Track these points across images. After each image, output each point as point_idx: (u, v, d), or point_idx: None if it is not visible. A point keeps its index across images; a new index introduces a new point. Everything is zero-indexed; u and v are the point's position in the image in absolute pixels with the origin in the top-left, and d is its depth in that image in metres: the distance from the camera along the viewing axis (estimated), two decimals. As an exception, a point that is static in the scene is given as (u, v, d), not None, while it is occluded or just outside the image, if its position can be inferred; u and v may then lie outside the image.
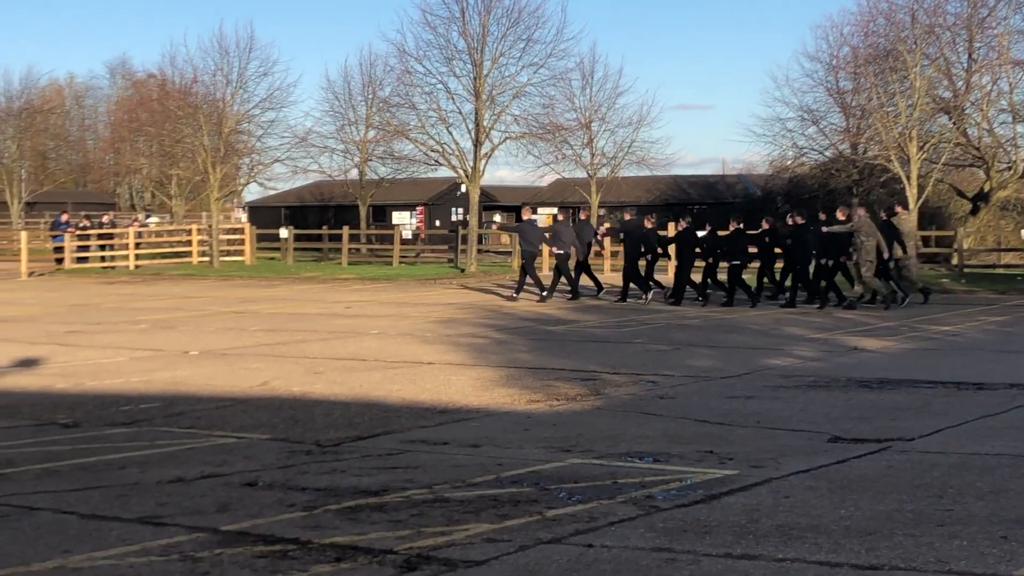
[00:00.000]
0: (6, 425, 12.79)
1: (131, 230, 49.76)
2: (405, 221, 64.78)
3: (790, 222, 28.41)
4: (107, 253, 48.69)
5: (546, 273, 35.01)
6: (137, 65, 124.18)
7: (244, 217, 71.29)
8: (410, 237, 58.61)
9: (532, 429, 12.19)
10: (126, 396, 14.72)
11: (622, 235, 31.18)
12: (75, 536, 7.92)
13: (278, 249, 52.73)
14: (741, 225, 29.04)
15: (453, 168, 48.60)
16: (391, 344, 20.29)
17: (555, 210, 59.26)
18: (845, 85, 50.11)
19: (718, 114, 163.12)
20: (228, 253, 50.01)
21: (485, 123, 46.58)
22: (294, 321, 24.98)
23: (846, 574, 6.93)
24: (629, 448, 11.03)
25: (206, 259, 48.53)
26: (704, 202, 60.00)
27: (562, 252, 30.75)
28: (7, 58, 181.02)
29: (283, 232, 52.02)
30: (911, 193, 36.62)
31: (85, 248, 47.94)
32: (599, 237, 33.82)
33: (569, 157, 53.75)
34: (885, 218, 28.46)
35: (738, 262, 28.47)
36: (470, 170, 47.00)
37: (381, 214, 65.64)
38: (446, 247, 52.44)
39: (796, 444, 11.19)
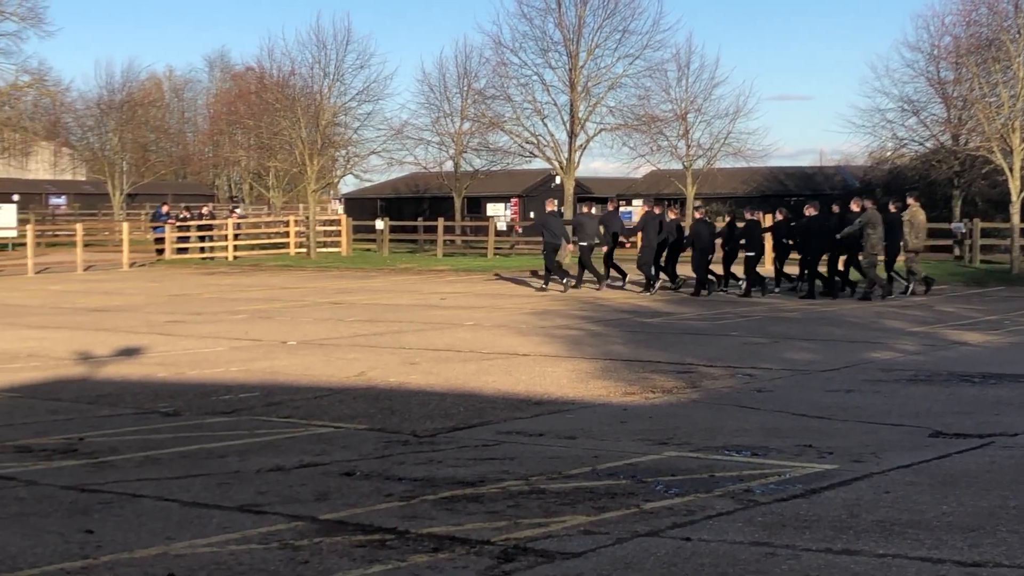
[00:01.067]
0: (109, 413, 13.00)
1: (230, 221, 50.34)
2: (499, 213, 64.81)
3: (807, 213, 28.60)
4: (206, 244, 49.29)
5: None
6: (235, 58, 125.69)
7: (340, 208, 71.81)
8: (504, 229, 58.59)
9: (628, 421, 12.15)
10: (226, 385, 14.89)
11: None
12: (177, 523, 8.03)
13: (374, 240, 53.06)
14: (757, 216, 29.55)
15: (548, 160, 48.61)
16: (486, 335, 20.34)
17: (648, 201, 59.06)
18: (946, 75, 49.32)
19: (816, 105, 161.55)
20: (325, 244, 50.44)
21: (580, 114, 46.52)
22: (390, 312, 25.13)
23: (949, 571, 6.82)
24: (726, 441, 10.95)
25: (303, 250, 48.98)
26: (802, 193, 59.29)
27: (585, 244, 31.07)
28: (109, 52, 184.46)
29: (379, 223, 52.33)
30: (1014, 185, 35.94)
31: (185, 239, 48.59)
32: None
33: (664, 148, 53.44)
34: (894, 210, 28.65)
35: (753, 253, 28.78)
36: (565, 161, 46.96)
37: (476, 206, 65.72)
38: (540, 238, 52.29)
39: (896, 439, 11.05)
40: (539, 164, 55.11)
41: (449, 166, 58.95)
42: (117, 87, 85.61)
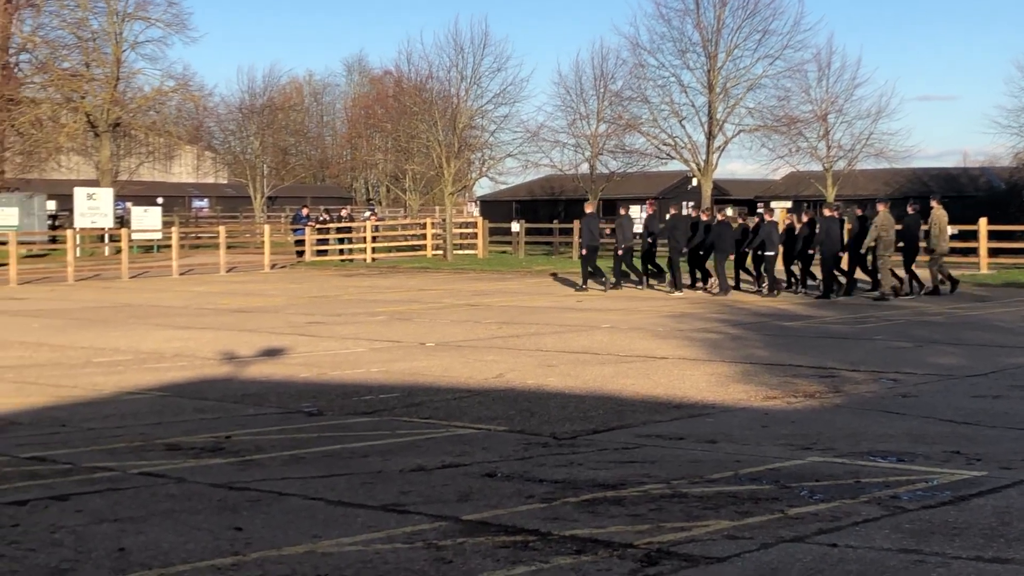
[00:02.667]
0: (254, 413, 13.22)
1: (368, 224, 50.91)
2: (635, 215, 64.68)
3: (827, 213, 29.70)
4: (345, 246, 49.91)
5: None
6: (374, 62, 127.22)
7: (476, 211, 72.26)
8: (640, 231, 58.48)
9: (770, 426, 12.03)
10: (367, 386, 15.06)
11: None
12: (323, 522, 8.13)
13: (509, 243, 53.26)
14: (774, 219, 30.97)
15: (685, 161, 48.41)
16: (623, 338, 20.28)
17: (789, 203, 58.49)
18: (1097, 73, 48.14)
19: (961, 105, 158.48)
20: (461, 246, 50.75)
21: (718, 116, 46.26)
22: (526, 314, 25.19)
23: (1107, 583, 6.64)
24: (871, 447, 10.78)
25: (440, 252, 49.35)
26: (945, 195, 58.33)
27: (623, 246, 32.61)
28: (251, 57, 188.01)
29: (515, 226, 52.52)
30: None
31: (324, 241, 49.25)
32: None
33: (804, 150, 52.90)
34: (912, 211, 29.47)
35: (772, 253, 29.69)
36: (702, 163, 46.70)
37: (611, 208, 65.57)
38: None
39: (1048, 446, 10.78)
40: (675, 166, 54.89)
41: (585, 168, 58.98)
42: (258, 91, 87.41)
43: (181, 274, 41.20)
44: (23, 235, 47.65)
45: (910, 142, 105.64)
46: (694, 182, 52.59)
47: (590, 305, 27.38)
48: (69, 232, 42.79)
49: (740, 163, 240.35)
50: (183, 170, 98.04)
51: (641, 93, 50.02)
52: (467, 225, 55.48)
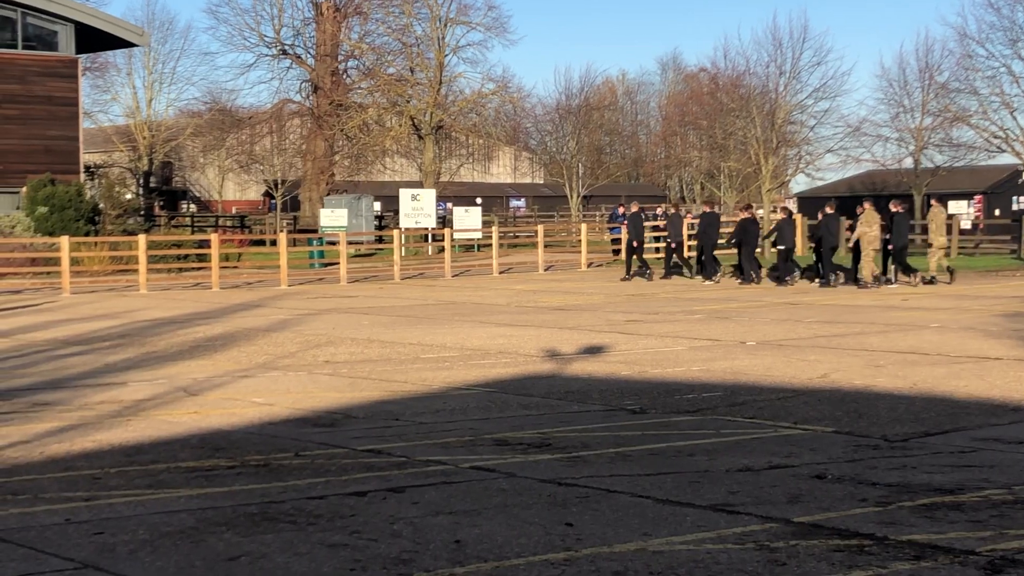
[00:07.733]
0: (578, 410, 13.35)
1: (685, 221, 50.70)
2: (962, 210, 62.42)
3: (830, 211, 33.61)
4: (660, 244, 49.80)
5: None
6: (689, 59, 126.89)
7: (794, 207, 71.10)
8: (968, 227, 56.31)
9: (1118, 431, 11.39)
10: (688, 384, 14.99)
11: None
12: (652, 520, 8.13)
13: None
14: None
15: (1017, 154, 46.47)
16: (953, 338, 19.57)
17: None
18: None
19: None
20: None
21: (1052, 106, 44.16)
22: (848, 312, 24.63)
23: None
24: None
25: (759, 250, 48.70)
26: None
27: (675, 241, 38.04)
28: (568, 58, 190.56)
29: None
30: None
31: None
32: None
33: None
34: (901, 210, 32.72)
35: (783, 247, 34.49)
36: (1036, 157, 44.71)
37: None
38: (1008, 238, 50.02)
39: None
40: (1005, 159, 52.78)
41: (908, 163, 57.33)
42: (574, 92, 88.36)
43: (500, 273, 42.02)
44: (352, 235, 49.48)
45: None
46: (1025, 176, 50.47)
47: (916, 303, 26.56)
48: (395, 232, 44.24)
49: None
50: (501, 170, 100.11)
51: (969, 84, 48.36)
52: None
